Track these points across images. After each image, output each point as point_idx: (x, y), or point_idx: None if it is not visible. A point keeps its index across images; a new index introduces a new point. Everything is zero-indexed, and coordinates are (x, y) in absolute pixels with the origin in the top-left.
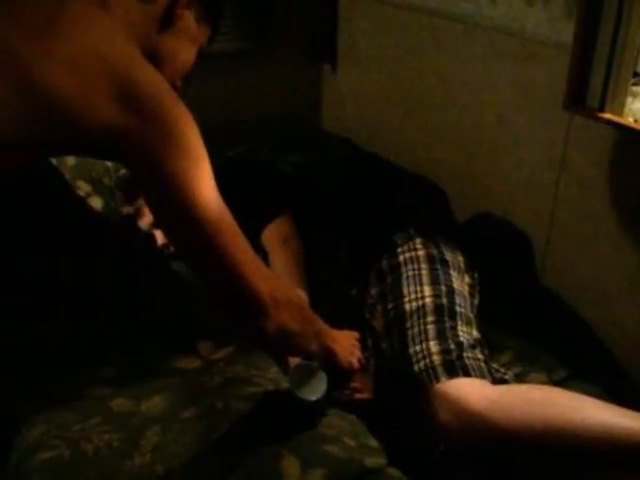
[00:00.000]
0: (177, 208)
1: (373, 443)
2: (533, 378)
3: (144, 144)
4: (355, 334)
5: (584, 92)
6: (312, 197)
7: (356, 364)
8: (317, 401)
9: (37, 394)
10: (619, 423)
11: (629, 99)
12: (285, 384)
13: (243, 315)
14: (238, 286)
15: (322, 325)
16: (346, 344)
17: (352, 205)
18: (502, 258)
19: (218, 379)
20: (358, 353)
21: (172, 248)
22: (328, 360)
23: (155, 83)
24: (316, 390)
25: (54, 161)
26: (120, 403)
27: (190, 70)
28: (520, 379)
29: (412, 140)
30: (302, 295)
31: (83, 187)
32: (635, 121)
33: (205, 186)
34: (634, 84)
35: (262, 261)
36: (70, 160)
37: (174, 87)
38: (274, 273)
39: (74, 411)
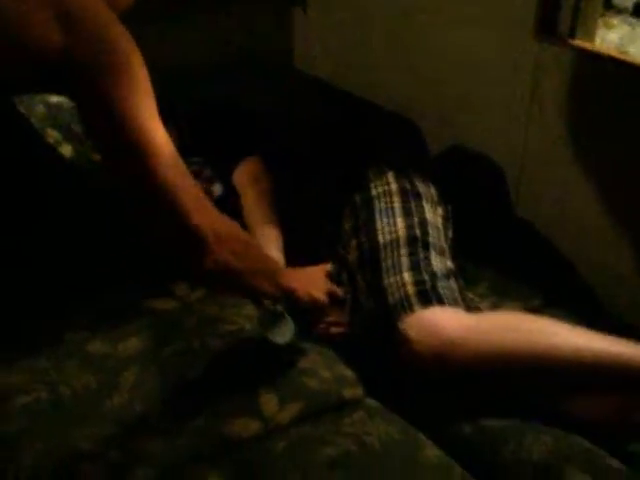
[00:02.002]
0: (123, 141)
1: (350, 375)
2: (508, 307)
3: (88, 70)
4: (324, 267)
5: (554, 19)
6: (284, 135)
7: (322, 298)
8: (288, 344)
9: (13, 340)
10: (594, 347)
11: (604, 30)
12: None
13: (182, 250)
14: (178, 220)
15: (275, 264)
16: (309, 280)
17: (324, 142)
18: (476, 190)
19: (194, 319)
20: (327, 286)
21: None
22: (288, 300)
23: (96, 8)
24: (284, 333)
25: (23, 110)
26: (97, 346)
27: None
28: (495, 308)
29: (384, 77)
30: (273, 234)
31: (52, 135)
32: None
33: (152, 120)
34: (609, 16)
35: (208, 199)
36: (40, 109)
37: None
38: (218, 211)
39: (51, 356)
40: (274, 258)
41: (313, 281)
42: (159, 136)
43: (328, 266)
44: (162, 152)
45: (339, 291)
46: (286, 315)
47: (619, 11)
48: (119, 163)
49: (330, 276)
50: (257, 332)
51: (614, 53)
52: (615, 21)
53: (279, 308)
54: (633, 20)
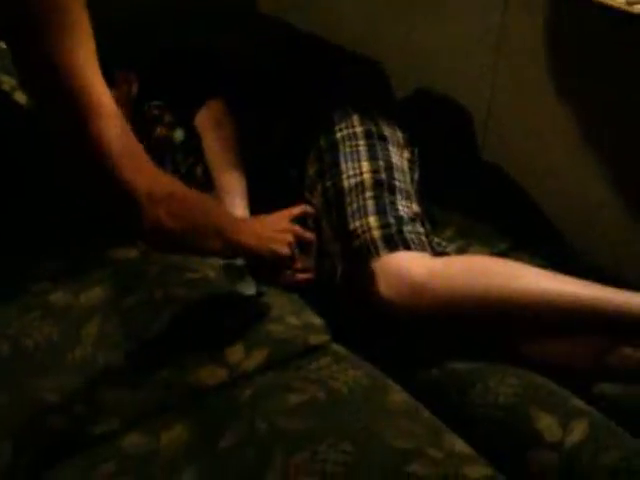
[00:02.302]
0: (65, 96)
1: (316, 321)
2: (475, 251)
3: (37, 23)
4: (289, 213)
5: None
6: (247, 78)
7: (285, 252)
8: (254, 295)
9: None
10: (563, 290)
11: None
12: None
13: (116, 210)
14: (109, 178)
15: (226, 218)
16: (269, 231)
17: (288, 85)
18: (442, 133)
19: (157, 267)
20: (291, 236)
21: None
22: (243, 255)
23: None
24: (249, 286)
25: None
26: (59, 297)
27: None
28: (462, 252)
29: (349, 17)
30: (235, 179)
31: (7, 81)
32: None
33: (96, 76)
34: None
35: (148, 159)
36: None
37: None
38: (159, 171)
39: (11, 308)
40: (237, 205)
41: (274, 232)
42: (102, 92)
43: (296, 209)
44: (104, 109)
45: (309, 235)
46: (245, 270)
47: None
48: (58, 116)
49: (301, 219)
50: (222, 281)
51: None
52: None
53: (239, 262)
54: None
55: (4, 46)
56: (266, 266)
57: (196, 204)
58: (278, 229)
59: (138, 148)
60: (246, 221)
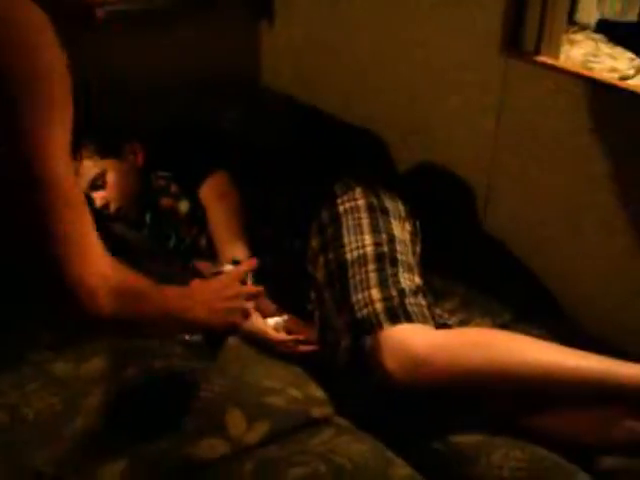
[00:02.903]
0: (18, 166)
1: (319, 393)
2: (477, 323)
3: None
4: (236, 273)
5: (520, 36)
6: (251, 151)
7: (239, 320)
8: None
9: None
10: (563, 362)
11: (568, 46)
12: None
13: (63, 301)
14: (56, 266)
15: (174, 299)
16: (218, 301)
17: (291, 158)
18: (443, 206)
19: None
20: (242, 304)
21: (112, 209)
22: (201, 331)
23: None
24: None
25: None
26: (59, 367)
27: None
28: (464, 325)
29: (350, 92)
30: (239, 251)
31: None
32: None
33: (56, 147)
34: (573, 32)
35: (100, 244)
36: None
37: None
38: (111, 259)
39: (13, 377)
40: None
41: (226, 301)
42: (59, 169)
43: (242, 267)
44: (72, 200)
45: (257, 289)
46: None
47: (582, 27)
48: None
49: (250, 277)
50: None
51: (579, 69)
52: (579, 37)
53: (195, 339)
54: (596, 36)
55: None
56: (223, 335)
57: (151, 293)
58: (229, 295)
59: (94, 236)
60: (195, 294)
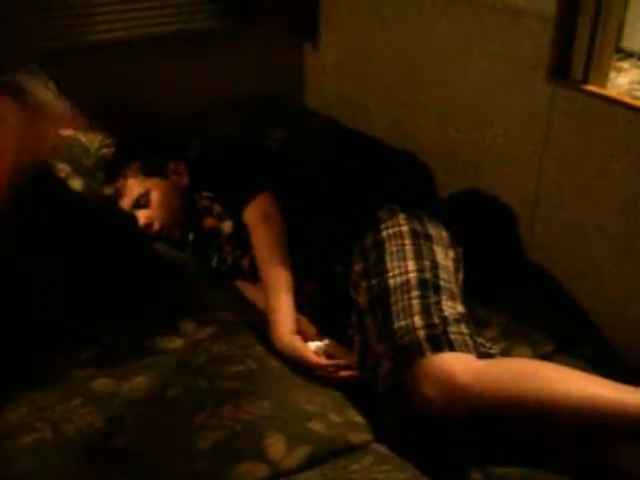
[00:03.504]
0: None
1: (358, 419)
2: (519, 352)
3: None
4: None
5: (567, 64)
6: (295, 174)
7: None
8: None
9: (19, 375)
10: (605, 395)
11: (613, 74)
12: (270, 361)
13: None
14: None
15: None
16: None
17: (335, 181)
18: (487, 233)
19: (202, 358)
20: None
21: (155, 228)
22: None
23: None
24: None
25: None
26: (102, 383)
27: None
28: (506, 353)
29: (395, 115)
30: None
31: (63, 168)
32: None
33: None
34: (618, 59)
35: None
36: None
37: None
38: None
39: (56, 392)
40: (282, 299)
41: None
42: None
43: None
44: None
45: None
46: None
47: (628, 55)
48: None
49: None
50: (267, 370)
51: (627, 98)
52: (625, 65)
53: None
54: None
55: (64, 134)
56: None
57: None
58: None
59: None
60: None
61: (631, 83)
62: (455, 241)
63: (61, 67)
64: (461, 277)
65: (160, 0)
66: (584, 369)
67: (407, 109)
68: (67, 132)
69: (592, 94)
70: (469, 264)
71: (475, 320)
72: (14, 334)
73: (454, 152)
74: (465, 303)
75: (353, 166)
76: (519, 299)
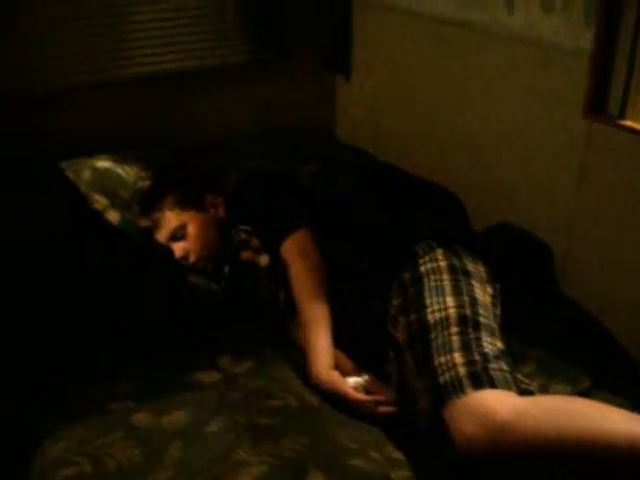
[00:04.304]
0: None
1: (398, 455)
2: (557, 389)
3: None
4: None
5: (604, 99)
6: (330, 208)
7: None
8: None
9: (57, 409)
10: None
11: None
12: (308, 396)
13: None
14: None
15: None
16: None
17: (370, 216)
18: (522, 268)
19: (240, 393)
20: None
21: (191, 260)
22: None
23: None
24: None
25: (70, 175)
26: (141, 418)
27: None
28: (544, 390)
29: (427, 149)
30: (321, 310)
31: (100, 200)
32: None
33: None
34: None
35: None
36: (86, 173)
37: None
38: None
39: (95, 426)
40: (321, 335)
41: None
42: None
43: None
44: None
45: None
46: None
47: None
48: None
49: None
50: (305, 405)
51: None
52: None
53: None
54: None
55: (99, 166)
56: None
57: None
58: None
59: None
60: None
61: None
62: (492, 277)
63: (97, 99)
64: (499, 313)
65: (195, 35)
66: (622, 405)
67: (440, 142)
68: (103, 164)
69: (629, 129)
70: (505, 299)
71: (512, 356)
72: (51, 367)
73: (488, 186)
74: (503, 339)
75: (387, 200)
76: (555, 334)
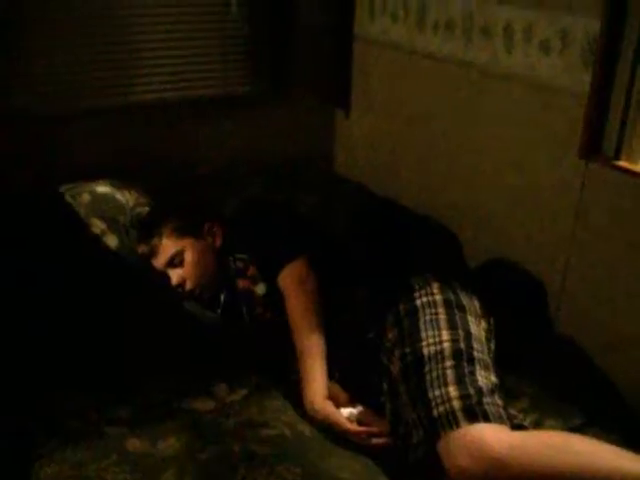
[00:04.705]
0: None
1: None
2: (549, 425)
3: None
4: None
5: (600, 140)
6: (327, 239)
7: None
8: None
9: (52, 432)
10: (638, 470)
11: None
12: (301, 426)
13: None
14: None
15: None
16: None
17: (367, 248)
18: (516, 304)
19: (234, 421)
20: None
21: (187, 287)
22: None
23: None
24: None
25: (69, 199)
26: (135, 443)
27: None
28: (536, 426)
29: (424, 184)
30: (316, 341)
31: (98, 225)
32: None
33: None
34: None
35: None
36: (85, 197)
37: None
38: None
39: (89, 450)
40: (316, 367)
41: None
42: None
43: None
44: None
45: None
46: None
47: None
48: None
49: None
50: (299, 436)
51: None
52: None
53: None
54: None
55: (98, 190)
56: None
57: None
58: None
59: None
60: None
61: None
62: (486, 311)
63: (102, 124)
64: (493, 347)
65: (198, 65)
66: (614, 443)
67: (437, 178)
68: (103, 189)
69: (624, 170)
70: (498, 334)
71: (506, 391)
72: (49, 387)
73: (484, 222)
74: (497, 373)
75: (383, 234)
76: (548, 371)
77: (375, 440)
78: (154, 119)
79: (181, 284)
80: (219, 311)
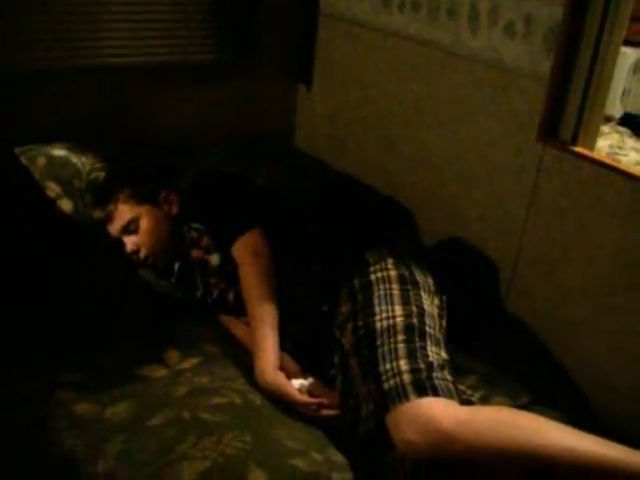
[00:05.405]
0: None
1: (339, 458)
2: (497, 401)
3: None
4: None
5: (558, 125)
6: (284, 211)
7: None
8: None
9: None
10: (586, 448)
11: None
12: (252, 395)
13: None
14: None
15: None
16: None
17: (323, 222)
18: (468, 283)
19: (184, 389)
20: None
21: (141, 255)
22: None
23: None
24: None
25: (25, 161)
26: (84, 408)
27: None
28: (484, 402)
29: (383, 162)
30: (268, 311)
31: (53, 188)
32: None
33: None
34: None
35: None
36: (40, 160)
37: None
38: None
39: (38, 412)
40: (267, 335)
41: None
42: None
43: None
44: None
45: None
46: None
47: (607, 119)
48: None
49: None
50: (248, 403)
51: (610, 161)
52: (605, 129)
53: None
54: (621, 129)
55: (55, 154)
56: None
57: None
58: None
59: None
60: None
61: (611, 147)
62: (439, 289)
63: (61, 87)
64: (444, 324)
65: (163, 31)
66: (560, 420)
67: (396, 156)
68: (59, 152)
69: (580, 155)
70: (451, 312)
71: (455, 368)
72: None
73: (441, 201)
74: (447, 350)
75: (340, 208)
76: (498, 349)
77: (325, 411)
78: (113, 84)
79: (135, 251)
80: (173, 280)
